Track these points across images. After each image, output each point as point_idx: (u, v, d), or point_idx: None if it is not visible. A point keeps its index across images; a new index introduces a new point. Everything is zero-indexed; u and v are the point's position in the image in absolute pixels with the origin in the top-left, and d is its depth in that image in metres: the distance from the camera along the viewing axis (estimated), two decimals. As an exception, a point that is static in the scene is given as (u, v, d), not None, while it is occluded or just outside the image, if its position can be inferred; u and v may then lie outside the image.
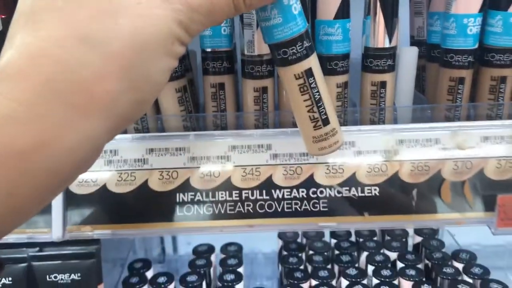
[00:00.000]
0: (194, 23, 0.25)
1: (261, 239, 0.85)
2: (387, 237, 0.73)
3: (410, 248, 0.74)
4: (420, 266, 0.66)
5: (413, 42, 0.60)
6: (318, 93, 0.32)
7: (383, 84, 0.50)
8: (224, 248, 0.73)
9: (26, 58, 0.21)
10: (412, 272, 0.64)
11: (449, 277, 0.63)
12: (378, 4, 0.48)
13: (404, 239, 0.73)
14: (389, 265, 0.67)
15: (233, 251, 0.72)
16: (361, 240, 0.73)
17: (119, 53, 0.22)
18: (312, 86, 0.31)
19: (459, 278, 0.63)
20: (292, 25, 0.29)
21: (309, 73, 0.31)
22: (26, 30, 0.22)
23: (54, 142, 0.22)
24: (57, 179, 0.23)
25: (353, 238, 0.75)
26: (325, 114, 0.33)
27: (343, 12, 0.49)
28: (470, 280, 0.63)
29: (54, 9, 0.22)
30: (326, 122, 0.33)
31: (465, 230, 0.87)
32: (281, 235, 0.76)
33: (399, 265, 0.67)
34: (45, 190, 0.23)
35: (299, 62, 0.30)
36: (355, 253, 0.70)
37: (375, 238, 0.74)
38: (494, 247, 0.90)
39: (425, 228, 0.75)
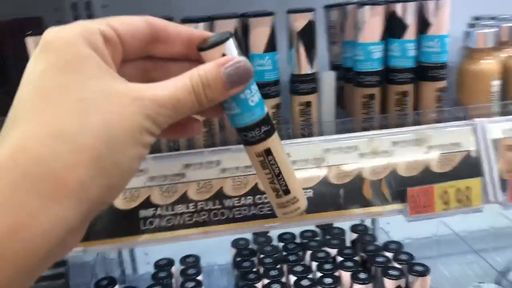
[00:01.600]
0: (161, 116, 0.28)
1: (216, 252, 0.92)
2: (327, 236, 0.83)
3: (348, 244, 0.84)
4: (356, 258, 0.76)
5: (333, 66, 0.71)
6: (277, 168, 0.36)
7: (308, 104, 0.60)
8: (183, 260, 0.80)
9: (7, 153, 0.24)
10: (350, 264, 0.74)
11: (381, 265, 0.73)
12: (299, 37, 0.58)
13: (342, 237, 0.83)
14: (330, 260, 0.76)
15: (192, 262, 0.79)
16: (305, 241, 0.82)
17: (90, 146, 0.25)
18: (271, 163, 0.36)
19: (389, 265, 0.73)
20: (249, 115, 0.33)
21: (267, 152, 0.35)
22: (11, 127, 0.26)
23: (29, 227, 0.24)
24: (32, 261, 0.24)
25: (298, 240, 0.84)
26: (285, 185, 0.37)
27: (271, 46, 0.58)
28: (399, 266, 0.73)
29: (35, 109, 0.25)
30: (286, 192, 0.37)
31: (397, 226, 0.98)
32: (234, 244, 0.84)
33: (339, 259, 0.76)
34: (22, 272, 0.24)
35: (258, 144, 0.35)
36: (301, 253, 0.79)
37: (317, 238, 0.83)
38: (423, 239, 1.02)
39: (359, 225, 0.86)
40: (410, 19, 0.60)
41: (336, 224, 0.87)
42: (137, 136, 0.27)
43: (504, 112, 0.63)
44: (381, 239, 0.85)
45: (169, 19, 0.61)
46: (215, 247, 0.84)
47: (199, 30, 0.33)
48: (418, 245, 0.97)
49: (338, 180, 0.59)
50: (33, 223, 0.23)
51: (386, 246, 0.80)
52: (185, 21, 0.59)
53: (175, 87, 0.29)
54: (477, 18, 0.76)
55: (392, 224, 1.01)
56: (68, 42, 0.26)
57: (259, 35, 0.58)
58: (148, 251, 0.99)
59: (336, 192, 0.59)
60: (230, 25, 0.58)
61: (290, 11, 0.59)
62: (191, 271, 0.76)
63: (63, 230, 0.25)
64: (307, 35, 0.59)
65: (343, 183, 0.59)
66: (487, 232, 1.01)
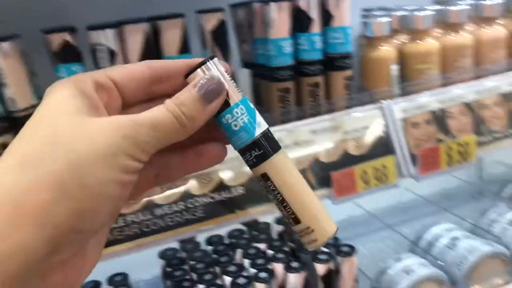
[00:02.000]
0: (142, 135, 0.27)
1: (141, 267, 0.89)
2: (255, 232, 0.84)
3: (275, 237, 0.85)
4: (286, 249, 0.78)
5: (244, 64, 0.72)
6: (279, 195, 0.32)
7: (229, 102, 0.61)
8: (111, 280, 0.76)
9: None
10: (281, 255, 0.75)
11: (310, 252, 0.75)
12: (212, 38, 0.58)
13: (268, 231, 0.85)
14: (261, 255, 0.77)
15: (120, 281, 0.76)
16: (233, 240, 0.82)
17: (52, 170, 0.24)
18: (271, 188, 0.32)
19: (319, 250, 0.76)
20: (236, 140, 0.31)
21: (265, 177, 0.32)
22: None
23: None
24: None
25: (226, 241, 0.84)
26: (292, 214, 0.32)
27: (185, 48, 0.58)
28: (327, 250, 0.76)
29: (12, 145, 0.26)
30: (295, 221, 0.32)
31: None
32: (161, 255, 0.81)
33: (270, 252, 0.78)
34: None
35: (253, 168, 0.32)
36: (231, 253, 0.79)
37: (245, 236, 0.84)
38: (341, 222, 1.08)
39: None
40: (314, 13, 0.63)
41: (261, 219, 0.88)
42: (109, 159, 0.25)
43: (404, 93, 0.69)
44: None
45: (71, 29, 0.58)
46: (139, 262, 0.81)
47: (194, 59, 0.31)
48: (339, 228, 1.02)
49: (266, 174, 0.60)
50: None
51: (311, 234, 0.83)
52: (91, 28, 0.56)
53: (152, 110, 0.28)
54: (367, 10, 0.82)
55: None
56: (59, 87, 0.27)
57: (171, 37, 0.58)
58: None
59: (265, 186, 0.60)
60: (140, 29, 0.57)
61: (200, 11, 0.59)
62: (121, 289, 0.73)
63: (23, 259, 0.23)
64: (220, 34, 0.59)
65: (271, 177, 0.60)
66: (395, 208, 1.09)
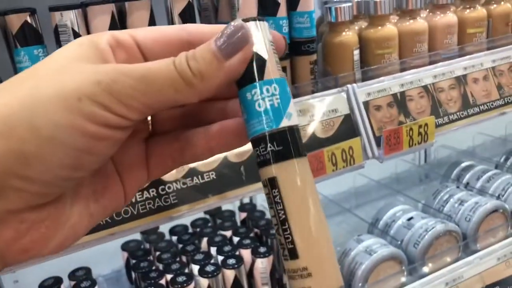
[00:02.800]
0: (120, 86, 0.22)
1: (104, 260, 0.86)
2: (219, 220, 0.84)
3: (239, 224, 0.85)
4: (252, 235, 0.78)
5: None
6: (282, 212, 0.24)
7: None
8: (72, 275, 0.73)
9: None
10: (247, 241, 0.75)
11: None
12: (180, 20, 0.57)
13: (233, 218, 0.84)
14: (227, 242, 0.77)
15: (82, 275, 0.73)
16: (198, 229, 0.81)
17: (6, 103, 0.22)
18: (275, 200, 0.24)
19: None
20: (255, 123, 0.24)
21: (272, 183, 0.24)
22: None
23: None
24: None
25: (190, 230, 0.83)
26: (292, 243, 0.23)
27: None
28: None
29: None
30: (292, 254, 0.24)
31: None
32: (124, 247, 0.79)
33: (236, 239, 0.77)
34: None
35: (263, 167, 0.24)
36: (197, 241, 0.78)
37: (209, 224, 0.83)
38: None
39: (247, 204, 0.88)
40: (281, -3, 0.63)
41: (223, 207, 0.88)
42: (72, 102, 0.21)
43: (366, 78, 0.71)
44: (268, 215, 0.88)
45: (32, 10, 0.55)
46: (97, 256, 0.79)
47: (207, 27, 0.27)
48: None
49: (237, 158, 0.59)
50: None
51: (275, 219, 0.83)
52: (53, 9, 0.53)
53: (154, 61, 0.23)
54: (326, -3, 0.83)
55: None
56: (75, 40, 0.25)
57: (138, 19, 0.56)
58: (17, 277, 0.88)
59: (237, 170, 0.59)
60: (105, 10, 0.54)
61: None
62: (84, 284, 0.70)
63: None
64: (188, 17, 0.58)
65: (242, 160, 0.60)
66: (349, 193, 1.12)
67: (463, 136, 1.22)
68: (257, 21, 0.24)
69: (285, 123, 0.24)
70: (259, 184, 0.62)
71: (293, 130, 0.24)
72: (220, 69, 0.23)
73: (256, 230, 0.81)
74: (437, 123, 0.71)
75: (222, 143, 0.27)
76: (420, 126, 0.68)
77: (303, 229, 0.23)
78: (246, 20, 0.24)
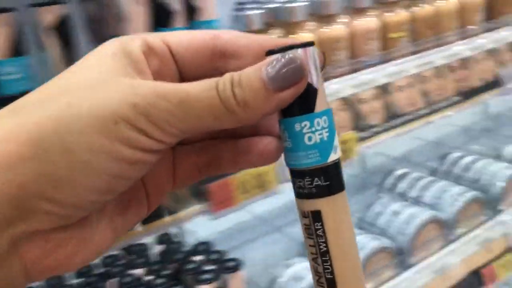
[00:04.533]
0: (157, 110, 0.21)
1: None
2: (132, 256, 0.75)
3: (156, 258, 0.77)
4: (167, 272, 0.70)
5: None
6: (324, 245, 0.25)
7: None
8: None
9: None
10: (160, 281, 0.67)
11: (191, 272, 0.68)
12: (53, 35, 0.48)
13: (147, 252, 0.76)
14: (137, 283, 0.68)
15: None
16: (107, 268, 0.72)
17: (34, 120, 0.21)
18: (318, 233, 0.25)
19: (201, 269, 0.69)
20: (302, 156, 0.24)
21: (316, 216, 0.25)
22: None
23: None
24: None
25: (101, 269, 0.74)
26: (331, 273, 0.25)
27: (17, 50, 0.47)
28: (213, 267, 0.70)
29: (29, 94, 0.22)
30: (330, 283, 0.25)
31: (203, 222, 0.96)
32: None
33: (148, 278, 0.69)
34: None
35: (305, 199, 0.25)
36: (105, 283, 0.69)
37: (121, 262, 0.74)
38: (227, 230, 1.02)
39: (164, 234, 0.80)
40: (177, 6, 0.55)
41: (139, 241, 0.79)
42: (109, 125, 0.21)
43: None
44: (191, 241, 0.80)
45: None
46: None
47: (274, 39, 0.24)
48: (226, 237, 0.97)
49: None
50: None
51: (195, 250, 0.75)
52: None
53: (193, 83, 0.22)
54: (240, 3, 0.77)
55: (198, 222, 0.98)
56: (104, 45, 0.23)
57: (-3, 37, 0.46)
58: None
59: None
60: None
61: (35, 5, 0.49)
62: None
63: None
64: (63, 32, 0.49)
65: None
66: (282, 209, 1.06)
67: (397, 142, 1.19)
68: (309, 47, 0.23)
69: (332, 157, 0.24)
70: (167, 219, 0.53)
71: (339, 164, 0.24)
72: (268, 101, 0.22)
73: (173, 265, 0.73)
74: (360, 137, 0.65)
75: (250, 161, 0.25)
76: (341, 143, 0.62)
77: (344, 260, 0.25)
78: (297, 46, 0.22)
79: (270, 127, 0.26)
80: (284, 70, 0.22)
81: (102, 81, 0.22)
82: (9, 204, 0.20)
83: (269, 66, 0.22)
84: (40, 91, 0.22)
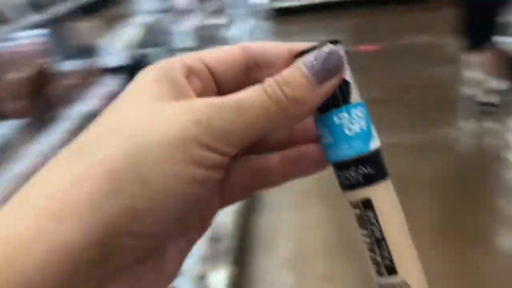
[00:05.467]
0: (219, 121, 0.22)
1: None
2: None
3: None
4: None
5: None
6: (379, 232, 0.25)
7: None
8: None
9: None
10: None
11: None
12: None
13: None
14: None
15: None
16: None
17: (107, 157, 0.21)
18: (371, 221, 0.25)
19: None
20: (345, 147, 0.25)
21: (366, 205, 0.25)
22: None
23: (22, 257, 0.19)
24: None
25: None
26: (390, 260, 0.25)
27: None
28: None
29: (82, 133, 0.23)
30: (390, 270, 0.25)
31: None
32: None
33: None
34: None
35: (352, 190, 0.25)
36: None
37: None
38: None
39: None
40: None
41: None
42: (179, 148, 0.21)
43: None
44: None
45: None
46: None
47: (300, 44, 0.26)
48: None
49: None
50: (28, 253, 0.19)
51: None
52: None
53: (242, 91, 0.23)
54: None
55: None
56: (145, 72, 0.24)
57: None
58: None
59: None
60: None
61: None
62: None
63: (64, 262, 0.20)
64: None
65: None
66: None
67: None
68: (338, 44, 0.24)
69: (374, 145, 0.25)
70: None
71: (381, 151, 0.26)
72: (315, 94, 0.23)
73: None
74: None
75: (297, 172, 0.26)
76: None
77: (399, 244, 0.25)
78: (329, 42, 0.24)
79: (306, 134, 0.27)
80: (325, 63, 0.23)
81: (157, 108, 0.22)
82: (98, 246, 0.20)
83: (309, 62, 0.23)
84: (96, 129, 0.22)
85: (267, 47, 0.26)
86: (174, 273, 0.25)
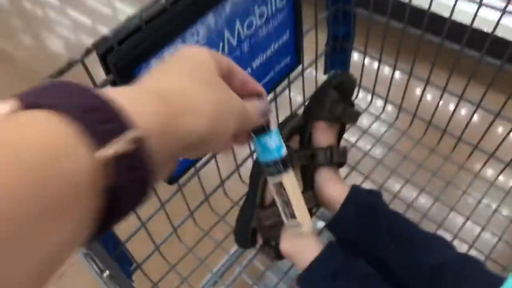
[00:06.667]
0: (243, 115, 0.38)
1: None
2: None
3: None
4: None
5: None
6: (287, 197, 0.47)
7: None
8: None
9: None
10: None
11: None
12: None
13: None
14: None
15: None
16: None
17: (211, 112, 0.33)
18: (282, 193, 0.47)
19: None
20: (266, 155, 0.44)
21: (280, 185, 0.46)
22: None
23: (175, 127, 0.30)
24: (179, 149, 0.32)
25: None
26: (292, 211, 0.47)
27: None
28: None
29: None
30: (293, 216, 0.48)
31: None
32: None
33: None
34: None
35: (273, 176, 0.45)
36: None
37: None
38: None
39: None
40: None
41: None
42: (238, 114, 0.36)
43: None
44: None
45: None
46: None
47: (254, 83, 0.41)
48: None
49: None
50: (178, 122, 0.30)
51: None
52: None
53: (251, 102, 0.40)
54: None
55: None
56: (204, 56, 0.36)
57: None
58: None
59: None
60: None
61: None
62: None
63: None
64: None
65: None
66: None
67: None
68: (265, 96, 0.43)
69: (283, 152, 0.44)
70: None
71: (287, 155, 0.45)
72: (258, 120, 0.41)
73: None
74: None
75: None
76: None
77: (297, 203, 0.47)
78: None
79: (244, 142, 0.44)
80: (266, 106, 0.42)
81: (218, 83, 0.36)
82: (209, 126, 0.32)
83: (260, 103, 0.41)
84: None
85: (235, 67, 0.39)
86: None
